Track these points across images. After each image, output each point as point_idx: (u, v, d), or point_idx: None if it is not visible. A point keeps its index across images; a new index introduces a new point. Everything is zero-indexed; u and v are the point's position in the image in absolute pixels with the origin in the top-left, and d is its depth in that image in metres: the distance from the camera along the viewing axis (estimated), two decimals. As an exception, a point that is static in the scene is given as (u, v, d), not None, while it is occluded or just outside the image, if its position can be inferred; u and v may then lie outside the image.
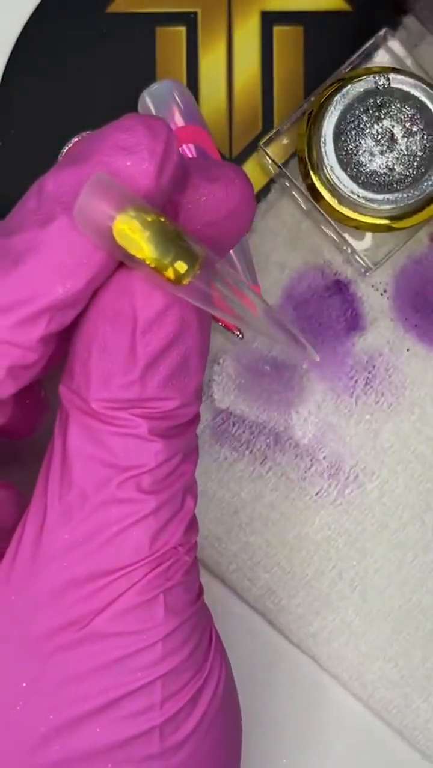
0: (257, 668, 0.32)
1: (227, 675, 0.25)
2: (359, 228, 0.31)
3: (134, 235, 0.20)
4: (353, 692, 0.32)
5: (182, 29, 0.33)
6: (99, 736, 0.22)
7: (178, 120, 0.31)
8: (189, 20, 0.33)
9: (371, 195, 0.30)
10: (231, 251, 0.31)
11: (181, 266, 0.21)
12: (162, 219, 0.21)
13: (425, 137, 0.30)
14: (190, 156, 0.31)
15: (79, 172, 0.21)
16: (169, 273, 0.21)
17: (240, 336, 0.32)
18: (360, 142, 0.30)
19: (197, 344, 0.22)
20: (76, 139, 0.32)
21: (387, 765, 0.32)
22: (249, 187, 0.24)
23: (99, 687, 0.22)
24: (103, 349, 0.22)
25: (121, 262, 0.22)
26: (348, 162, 0.30)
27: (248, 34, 0.33)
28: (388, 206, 0.30)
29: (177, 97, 0.31)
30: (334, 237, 0.32)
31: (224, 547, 0.32)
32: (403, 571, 0.32)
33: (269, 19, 0.33)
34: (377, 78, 0.30)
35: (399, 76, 0.30)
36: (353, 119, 0.30)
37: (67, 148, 0.32)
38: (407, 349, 0.32)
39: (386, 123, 0.30)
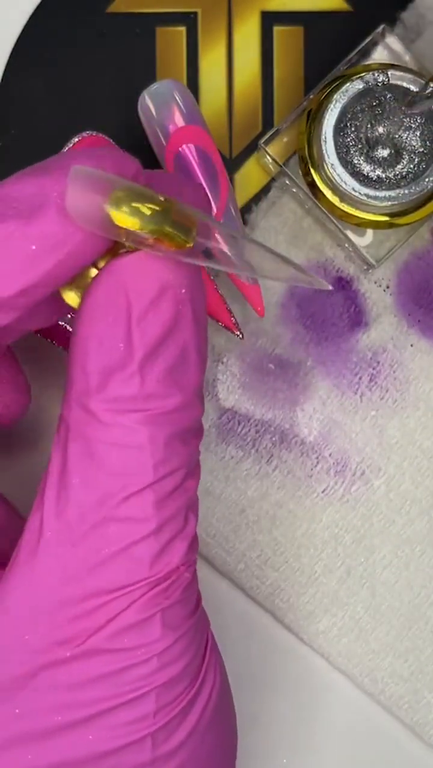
0: (266, 667, 0.32)
1: (222, 680, 0.24)
2: (361, 225, 0.31)
3: (129, 213, 0.21)
4: (364, 688, 0.32)
5: (182, 29, 0.33)
6: (91, 744, 0.22)
7: (178, 120, 0.31)
8: (189, 20, 0.33)
9: (372, 192, 0.30)
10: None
11: (181, 232, 0.21)
12: (153, 194, 0.21)
13: (424, 133, 0.30)
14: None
15: (39, 181, 0.21)
16: (171, 241, 0.21)
17: (240, 336, 0.32)
18: (360, 139, 0.30)
19: (194, 338, 0.22)
20: (77, 139, 0.32)
21: (399, 761, 0.32)
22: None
23: (92, 697, 0.22)
24: (100, 346, 0.22)
25: (106, 257, 0.22)
26: (349, 159, 0.30)
27: (248, 34, 0.33)
28: (389, 203, 0.30)
29: (177, 97, 0.31)
30: (335, 234, 0.32)
31: (232, 546, 0.32)
32: (411, 567, 0.32)
33: (269, 19, 0.33)
34: (376, 75, 0.30)
35: (398, 73, 0.30)
36: (352, 116, 0.30)
37: (67, 148, 0.32)
38: (411, 345, 0.32)
39: (386, 119, 0.30)
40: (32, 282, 0.21)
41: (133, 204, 0.21)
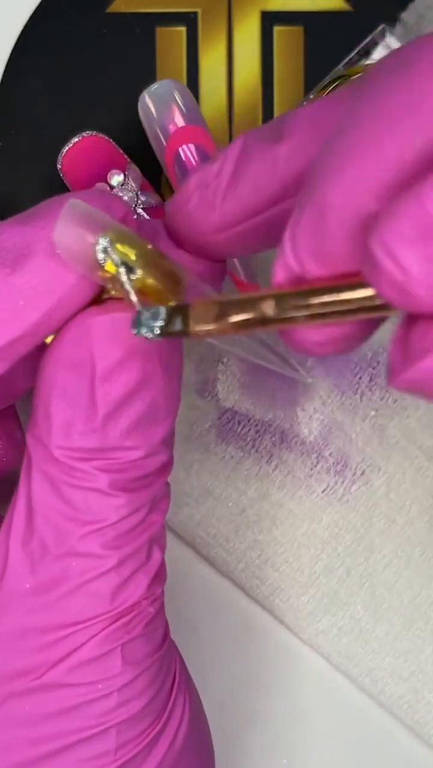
0: (266, 666, 0.32)
1: (191, 716, 0.24)
2: (361, 225, 0.31)
3: (114, 256, 0.20)
4: (364, 688, 0.32)
5: (182, 29, 0.33)
6: None
7: (179, 120, 0.31)
8: (189, 20, 0.33)
9: (372, 192, 0.30)
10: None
11: (165, 286, 0.21)
12: (142, 242, 0.21)
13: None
14: (186, 161, 0.31)
15: (25, 230, 0.21)
16: (153, 294, 0.21)
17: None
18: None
19: (163, 393, 0.22)
20: (77, 139, 0.32)
21: (399, 761, 0.32)
22: None
23: (51, 732, 0.22)
24: (63, 396, 0.21)
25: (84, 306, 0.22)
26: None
27: (248, 34, 0.33)
28: (389, 203, 0.30)
29: (177, 97, 0.31)
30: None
31: (232, 545, 0.32)
32: (411, 567, 0.32)
33: (269, 19, 0.33)
34: (376, 76, 0.30)
35: (399, 74, 0.30)
36: (353, 117, 0.30)
37: (67, 148, 0.32)
38: (411, 345, 0.32)
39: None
40: (20, 333, 0.21)
41: (119, 247, 0.20)
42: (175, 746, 0.23)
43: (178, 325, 0.20)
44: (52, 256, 0.21)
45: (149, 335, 0.20)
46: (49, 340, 0.23)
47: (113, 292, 0.22)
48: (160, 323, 0.20)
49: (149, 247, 0.21)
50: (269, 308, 0.19)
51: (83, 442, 0.21)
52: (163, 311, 0.20)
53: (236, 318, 0.19)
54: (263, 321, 0.19)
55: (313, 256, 0.18)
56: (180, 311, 0.20)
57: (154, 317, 0.20)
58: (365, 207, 0.17)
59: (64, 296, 0.21)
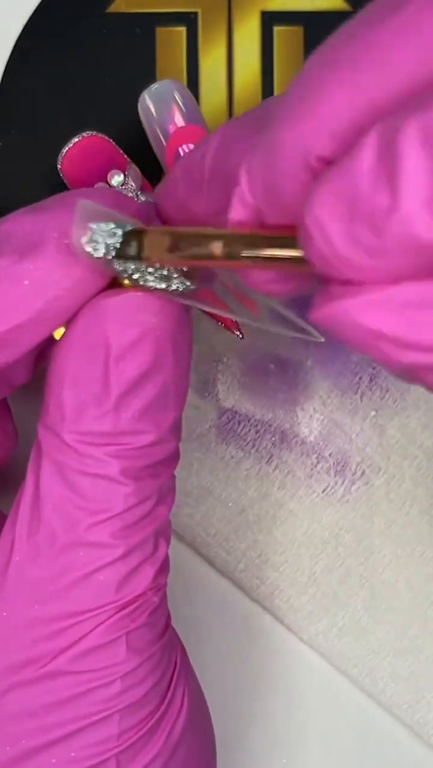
0: (266, 666, 0.32)
1: (191, 704, 0.24)
2: (361, 225, 0.31)
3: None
4: (364, 688, 0.32)
5: (182, 29, 0.33)
6: (54, 767, 0.22)
7: (179, 120, 0.31)
8: (189, 20, 0.33)
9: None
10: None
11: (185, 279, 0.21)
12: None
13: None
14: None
15: (37, 219, 0.22)
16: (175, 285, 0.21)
17: (240, 336, 0.32)
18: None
19: (173, 377, 0.22)
20: (77, 139, 0.32)
21: (399, 761, 0.32)
22: None
23: (56, 720, 0.22)
24: (76, 381, 0.22)
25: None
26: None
27: (248, 34, 0.33)
28: (389, 203, 0.30)
29: (177, 97, 0.31)
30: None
31: (232, 545, 0.32)
32: (411, 567, 0.32)
33: (269, 19, 0.33)
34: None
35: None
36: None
37: (67, 148, 0.32)
38: (411, 345, 0.32)
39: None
40: (25, 318, 0.21)
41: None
42: (174, 734, 0.23)
43: (132, 250, 0.20)
44: (60, 247, 0.21)
45: (103, 251, 0.20)
46: (58, 335, 0.23)
47: (126, 282, 0.22)
48: (116, 243, 0.20)
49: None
50: (217, 248, 0.19)
51: (96, 425, 0.21)
52: (120, 232, 0.20)
53: (187, 251, 0.20)
54: (211, 257, 0.19)
55: (265, 192, 0.18)
56: (136, 236, 0.20)
57: (111, 236, 0.20)
58: (310, 151, 0.17)
59: (70, 285, 0.21)
